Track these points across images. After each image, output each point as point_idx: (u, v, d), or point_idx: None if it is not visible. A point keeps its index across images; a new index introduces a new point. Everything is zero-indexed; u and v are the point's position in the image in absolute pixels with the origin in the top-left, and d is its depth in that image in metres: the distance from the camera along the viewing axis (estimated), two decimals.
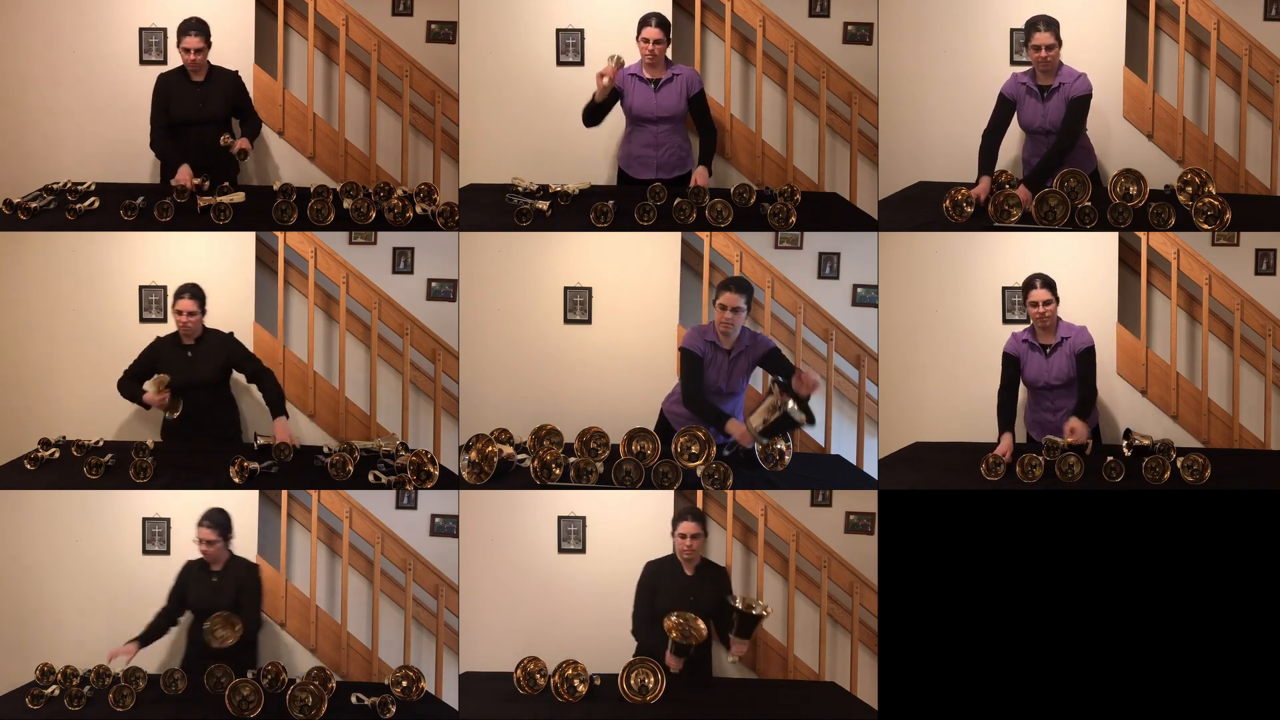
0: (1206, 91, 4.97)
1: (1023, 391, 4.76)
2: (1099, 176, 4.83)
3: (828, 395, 5.03)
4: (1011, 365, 4.73)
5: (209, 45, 4.91)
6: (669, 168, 4.97)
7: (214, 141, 4.90)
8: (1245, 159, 4.95)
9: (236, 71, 4.99)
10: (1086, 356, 4.67)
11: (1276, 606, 4.42)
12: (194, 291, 4.82)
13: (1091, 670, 4.43)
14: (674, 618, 4.46)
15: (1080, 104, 4.71)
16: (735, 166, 5.11)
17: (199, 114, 4.92)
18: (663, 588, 4.62)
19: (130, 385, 4.80)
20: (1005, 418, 4.70)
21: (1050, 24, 4.68)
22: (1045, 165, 4.69)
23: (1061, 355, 4.68)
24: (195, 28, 4.88)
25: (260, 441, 4.75)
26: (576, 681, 4.42)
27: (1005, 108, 4.80)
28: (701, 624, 4.48)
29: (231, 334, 4.89)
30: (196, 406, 4.83)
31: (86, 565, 4.78)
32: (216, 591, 4.65)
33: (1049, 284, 4.66)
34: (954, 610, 4.47)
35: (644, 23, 4.87)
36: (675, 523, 4.65)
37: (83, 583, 4.78)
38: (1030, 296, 4.67)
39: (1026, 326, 4.75)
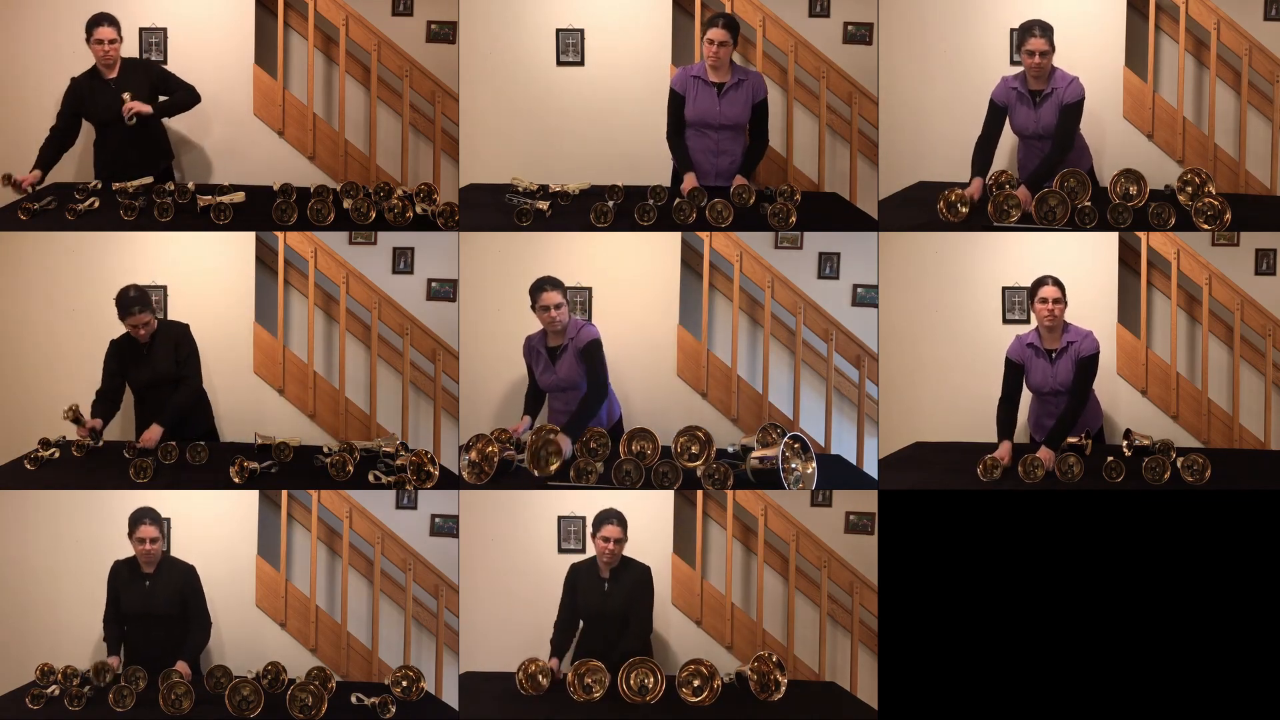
0: (1206, 91, 4.97)
1: (1026, 392, 4.75)
2: (1094, 174, 4.82)
3: (828, 395, 5.03)
4: (1014, 373, 4.69)
5: (121, 38, 4.84)
6: (726, 176, 4.80)
7: (139, 136, 4.84)
8: (1245, 159, 4.95)
9: (147, 58, 4.93)
10: (1086, 365, 4.61)
11: (1276, 606, 4.42)
12: (141, 299, 4.70)
13: (1091, 670, 4.43)
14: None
15: (1073, 111, 4.68)
16: None
17: (118, 112, 4.84)
18: (581, 590, 4.62)
19: (105, 403, 4.78)
20: (1005, 428, 4.66)
21: (1045, 30, 4.64)
22: (1040, 174, 4.67)
23: (1067, 361, 4.64)
24: (108, 20, 4.79)
25: (260, 441, 4.76)
26: (589, 679, 4.41)
27: (996, 114, 4.77)
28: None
29: (187, 326, 4.82)
30: (160, 402, 4.76)
31: (86, 565, 4.78)
32: (150, 595, 4.64)
33: (1059, 284, 4.62)
34: (954, 610, 4.46)
35: (710, 23, 4.75)
36: (597, 525, 4.60)
37: (83, 583, 4.78)
38: (1040, 293, 4.61)
39: (1031, 329, 4.73)
